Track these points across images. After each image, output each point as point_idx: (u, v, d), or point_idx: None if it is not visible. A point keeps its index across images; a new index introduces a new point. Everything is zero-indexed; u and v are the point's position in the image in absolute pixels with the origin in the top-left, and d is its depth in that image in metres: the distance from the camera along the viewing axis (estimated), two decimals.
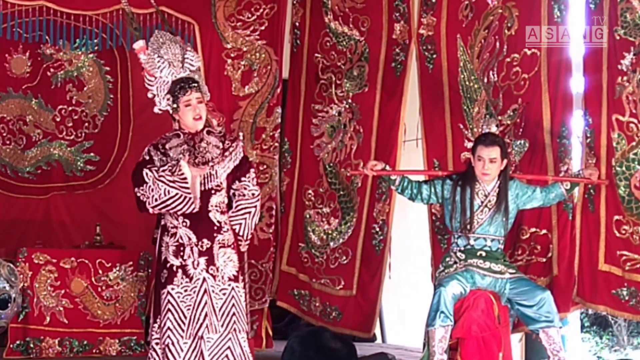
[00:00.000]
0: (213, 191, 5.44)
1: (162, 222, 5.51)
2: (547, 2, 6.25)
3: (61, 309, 7.24)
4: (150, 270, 7.42)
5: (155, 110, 5.55)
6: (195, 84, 5.45)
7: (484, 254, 5.81)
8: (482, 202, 5.81)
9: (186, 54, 5.53)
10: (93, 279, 7.32)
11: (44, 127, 8.40)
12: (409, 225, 8.50)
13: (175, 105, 5.44)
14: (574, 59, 6.24)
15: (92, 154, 8.42)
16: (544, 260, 6.26)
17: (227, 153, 5.50)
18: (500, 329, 5.79)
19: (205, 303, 5.37)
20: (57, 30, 7.46)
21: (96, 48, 7.97)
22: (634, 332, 12.02)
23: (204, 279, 5.37)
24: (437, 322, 5.65)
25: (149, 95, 5.55)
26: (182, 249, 5.39)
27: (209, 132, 5.55)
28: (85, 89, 8.46)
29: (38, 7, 7.18)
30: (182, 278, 5.38)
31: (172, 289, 5.38)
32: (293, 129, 7.81)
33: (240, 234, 5.56)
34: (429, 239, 6.98)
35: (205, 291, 5.37)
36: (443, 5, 6.90)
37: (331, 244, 7.45)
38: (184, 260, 5.38)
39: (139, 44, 5.57)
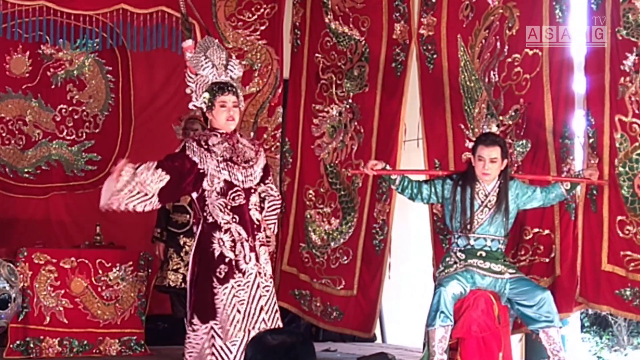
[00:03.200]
0: (252, 190, 5.53)
1: (211, 220, 5.51)
2: (548, 2, 6.25)
3: (61, 309, 7.23)
4: (150, 270, 7.42)
5: (190, 105, 5.67)
6: (233, 88, 5.58)
7: (484, 254, 5.81)
8: (482, 202, 5.81)
9: (230, 61, 5.66)
10: (93, 279, 7.31)
11: (44, 127, 8.39)
12: (409, 225, 8.49)
13: (210, 104, 5.54)
14: (576, 59, 6.24)
15: (93, 154, 8.41)
16: (547, 260, 6.26)
17: (258, 155, 5.61)
18: (500, 329, 5.79)
19: (260, 297, 5.45)
20: (57, 30, 7.45)
21: (96, 48, 7.97)
22: (634, 332, 12.01)
23: (256, 274, 5.46)
24: (437, 322, 5.65)
25: (187, 91, 5.66)
26: (234, 244, 5.47)
27: (241, 135, 5.69)
28: (86, 88, 8.45)
29: (38, 7, 7.18)
30: (236, 273, 5.44)
31: (236, 282, 5.43)
32: (294, 129, 7.81)
33: (274, 232, 5.69)
34: (430, 239, 6.98)
35: (258, 285, 5.46)
36: (443, 5, 6.90)
37: (332, 244, 7.45)
38: (236, 255, 5.46)
39: (187, 43, 5.81)
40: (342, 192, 7.43)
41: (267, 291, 5.49)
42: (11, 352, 7.08)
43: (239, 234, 5.46)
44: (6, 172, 8.27)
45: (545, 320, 5.68)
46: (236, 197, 5.49)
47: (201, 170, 5.43)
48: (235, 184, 5.48)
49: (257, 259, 5.47)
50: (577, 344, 10.71)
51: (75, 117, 8.43)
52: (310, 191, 7.63)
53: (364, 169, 6.19)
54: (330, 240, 7.46)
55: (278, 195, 5.81)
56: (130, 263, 7.39)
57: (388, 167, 6.12)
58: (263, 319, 5.43)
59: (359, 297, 7.29)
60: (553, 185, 5.91)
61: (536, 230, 6.30)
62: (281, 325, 5.59)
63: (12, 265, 6.88)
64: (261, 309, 5.43)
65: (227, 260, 5.44)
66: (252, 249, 5.47)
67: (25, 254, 7.18)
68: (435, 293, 5.74)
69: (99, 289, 7.32)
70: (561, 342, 5.79)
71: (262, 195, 5.69)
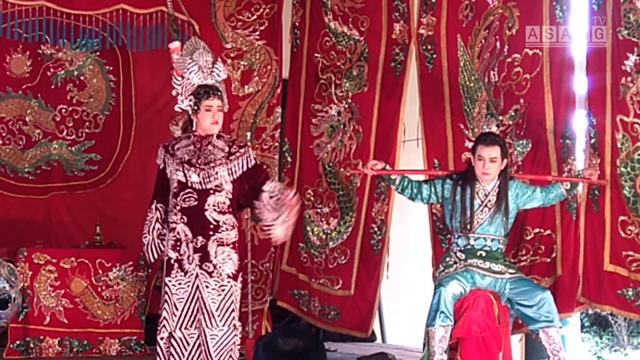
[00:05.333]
0: (212, 191, 5.61)
1: (168, 219, 5.75)
2: (548, 2, 6.26)
3: (61, 309, 7.23)
4: (150, 270, 7.43)
5: (176, 108, 5.82)
6: (219, 92, 5.71)
7: (484, 254, 5.81)
8: (482, 202, 5.81)
9: (216, 64, 5.79)
10: (93, 279, 7.32)
11: (44, 127, 8.38)
12: (408, 225, 8.50)
13: (196, 107, 5.67)
14: (577, 59, 6.24)
15: (93, 154, 8.40)
16: (548, 260, 6.26)
17: (232, 157, 5.65)
18: (500, 329, 5.79)
19: (197, 298, 5.58)
20: (57, 30, 7.45)
21: (97, 47, 7.96)
22: (634, 332, 12.03)
23: (198, 274, 5.58)
24: (437, 322, 5.66)
25: (173, 93, 5.79)
26: (179, 244, 5.61)
27: (218, 137, 5.74)
28: (86, 88, 8.44)
29: (38, 7, 7.19)
30: (177, 272, 5.62)
31: (169, 281, 5.63)
32: (293, 128, 7.82)
33: (290, 198, 5.62)
34: (430, 239, 6.98)
35: (198, 287, 5.59)
36: (443, 5, 6.91)
37: (330, 243, 7.45)
38: (180, 255, 5.61)
39: (174, 44, 5.91)
40: (341, 192, 7.44)
41: (223, 291, 5.58)
42: (11, 352, 7.08)
43: (185, 234, 5.60)
44: (6, 172, 8.26)
45: (545, 320, 5.69)
46: (187, 199, 5.63)
47: (167, 174, 5.70)
48: (188, 185, 5.62)
49: (208, 259, 5.57)
50: (577, 344, 10.73)
51: (76, 117, 8.42)
52: (309, 191, 7.64)
53: (363, 169, 6.21)
54: (329, 240, 7.47)
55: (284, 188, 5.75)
56: (130, 263, 7.40)
57: (388, 167, 6.12)
58: (211, 318, 5.53)
59: (356, 297, 7.30)
60: (553, 185, 5.92)
61: (537, 230, 6.30)
62: (239, 326, 5.67)
63: (12, 265, 6.90)
64: (199, 309, 5.56)
65: (166, 258, 5.67)
66: (199, 249, 5.58)
67: (25, 254, 7.19)
68: (435, 293, 5.74)
69: (99, 289, 7.33)
70: (561, 342, 5.80)
71: (271, 195, 5.68)
